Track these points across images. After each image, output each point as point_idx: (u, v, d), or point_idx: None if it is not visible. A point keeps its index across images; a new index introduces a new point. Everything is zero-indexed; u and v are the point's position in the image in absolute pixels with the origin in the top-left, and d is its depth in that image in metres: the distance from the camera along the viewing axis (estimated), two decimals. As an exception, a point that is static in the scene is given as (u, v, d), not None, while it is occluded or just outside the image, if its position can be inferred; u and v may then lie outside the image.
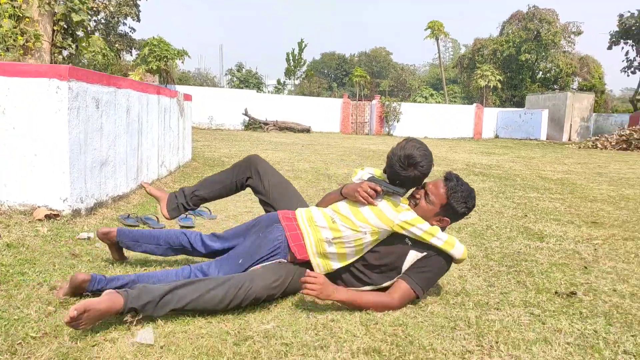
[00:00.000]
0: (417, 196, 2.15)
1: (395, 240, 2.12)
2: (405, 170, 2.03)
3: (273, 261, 2.06)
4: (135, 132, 4.19)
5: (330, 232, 2.09)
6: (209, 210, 3.81)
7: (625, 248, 3.26)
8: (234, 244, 2.22)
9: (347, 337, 1.75)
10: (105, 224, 3.15)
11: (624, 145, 17.14)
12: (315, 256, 2.10)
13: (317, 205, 2.37)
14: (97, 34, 18.05)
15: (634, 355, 1.71)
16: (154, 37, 19.11)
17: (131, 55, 22.02)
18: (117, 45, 22.90)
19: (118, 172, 3.78)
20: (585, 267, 2.78)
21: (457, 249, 2.07)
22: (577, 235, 3.59)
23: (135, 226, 3.20)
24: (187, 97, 6.63)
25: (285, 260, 2.09)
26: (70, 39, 6.15)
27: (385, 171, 2.17)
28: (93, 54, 16.39)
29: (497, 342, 1.77)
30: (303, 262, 2.12)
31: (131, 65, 20.70)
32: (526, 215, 4.30)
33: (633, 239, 3.54)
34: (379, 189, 2.08)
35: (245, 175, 2.45)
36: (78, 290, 1.91)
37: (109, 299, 1.67)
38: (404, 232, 2.07)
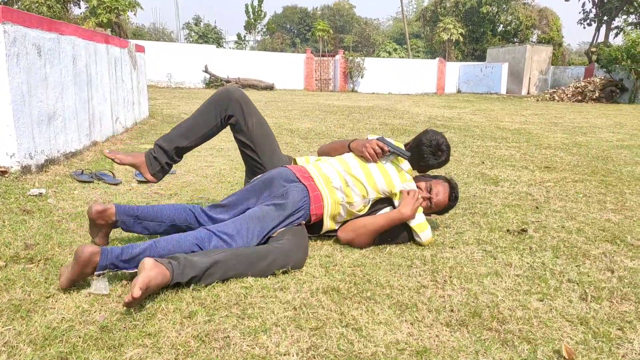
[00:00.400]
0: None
1: (385, 203, 2.29)
2: (435, 156, 2.24)
3: (295, 224, 2.02)
4: (84, 84, 3.98)
5: (344, 195, 2.15)
6: (168, 165, 3.71)
7: (575, 189, 3.42)
8: (243, 208, 2.05)
9: (306, 279, 1.78)
10: (58, 181, 3.03)
11: (579, 97, 17.73)
12: (328, 218, 2.14)
13: (320, 152, 2.46)
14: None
15: (577, 283, 1.82)
16: (102, -13, 17.95)
17: (79, 7, 20.60)
18: (63, -4, 21.38)
19: (69, 127, 3.60)
20: (537, 207, 2.90)
21: (425, 233, 2.17)
22: (530, 179, 3.73)
23: (90, 182, 3.09)
24: (140, 49, 6.31)
25: (304, 222, 2.08)
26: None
27: (406, 147, 2.32)
28: (37, 4, 15.31)
29: (450, 277, 1.84)
30: (308, 226, 2.14)
31: (80, 18, 19.42)
32: (483, 162, 4.42)
33: (582, 181, 3.71)
34: (386, 148, 2.20)
35: (228, 113, 2.19)
36: (86, 269, 1.56)
37: (161, 273, 1.53)
38: (395, 199, 2.23)
